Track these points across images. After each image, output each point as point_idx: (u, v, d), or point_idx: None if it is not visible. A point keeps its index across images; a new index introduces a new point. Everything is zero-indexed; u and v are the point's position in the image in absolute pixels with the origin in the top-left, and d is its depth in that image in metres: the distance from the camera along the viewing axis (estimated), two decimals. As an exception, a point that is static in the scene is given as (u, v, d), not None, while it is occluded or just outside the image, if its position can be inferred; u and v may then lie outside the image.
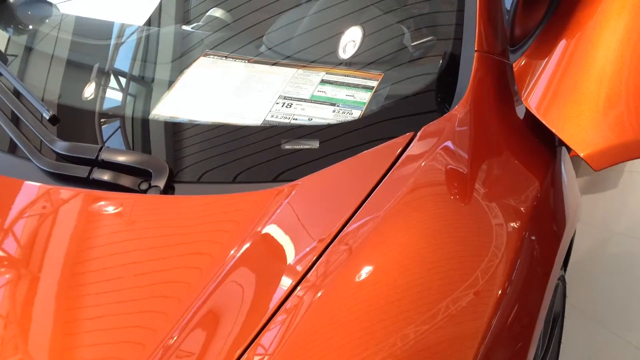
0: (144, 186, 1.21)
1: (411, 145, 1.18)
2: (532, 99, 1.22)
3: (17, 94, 1.41)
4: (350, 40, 1.51)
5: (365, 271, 0.99)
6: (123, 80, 1.50)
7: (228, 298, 1.00)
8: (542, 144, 1.28)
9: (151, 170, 1.22)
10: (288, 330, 0.93)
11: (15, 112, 1.37)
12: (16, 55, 1.65)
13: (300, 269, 1.01)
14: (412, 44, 1.45)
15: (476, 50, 1.32)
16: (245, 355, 0.92)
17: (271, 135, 1.29)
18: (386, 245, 1.03)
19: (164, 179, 1.21)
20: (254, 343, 0.93)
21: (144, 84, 1.50)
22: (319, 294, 0.97)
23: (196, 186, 1.23)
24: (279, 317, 0.96)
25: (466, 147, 1.20)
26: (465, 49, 1.32)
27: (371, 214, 1.08)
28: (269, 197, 1.14)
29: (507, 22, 1.28)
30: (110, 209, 1.19)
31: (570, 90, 1.19)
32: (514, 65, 1.31)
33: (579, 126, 1.15)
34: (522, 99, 1.24)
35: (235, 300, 0.99)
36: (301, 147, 1.27)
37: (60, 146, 1.28)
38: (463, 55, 1.32)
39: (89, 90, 1.47)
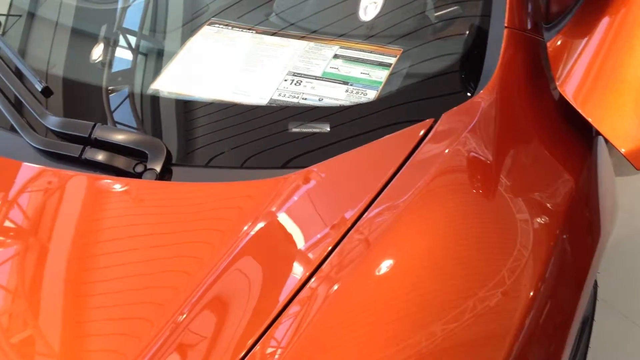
0: (139, 168, 1.11)
1: (431, 132, 1.06)
2: (568, 84, 1.10)
3: (8, 62, 1.31)
4: (368, 11, 1.39)
5: (386, 264, 0.92)
6: (123, 51, 1.39)
7: (237, 284, 0.93)
8: (577, 135, 1.16)
9: (147, 152, 1.12)
10: (303, 323, 0.87)
11: (6, 82, 1.27)
12: (19, 16, 1.55)
13: (314, 258, 0.93)
14: (435, 16, 1.32)
15: (506, 27, 1.19)
16: (256, 347, 0.86)
17: (278, 117, 1.19)
18: (407, 238, 0.95)
19: (161, 161, 1.11)
20: (266, 334, 0.87)
21: (144, 55, 1.39)
22: (336, 287, 0.90)
23: (196, 170, 1.13)
24: (293, 309, 0.89)
25: (492, 136, 1.09)
26: (494, 24, 1.20)
27: (390, 204, 0.98)
28: (275, 186, 1.04)
29: (542, -4, 1.16)
30: (104, 194, 1.10)
31: (612, 77, 1.06)
32: (548, 45, 1.18)
33: (620, 119, 1.03)
34: (557, 84, 1.12)
35: (245, 287, 0.93)
36: (310, 130, 1.16)
37: (52, 121, 1.19)
38: (491, 31, 1.19)
39: (86, 60, 1.37)
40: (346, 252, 0.94)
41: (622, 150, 1.02)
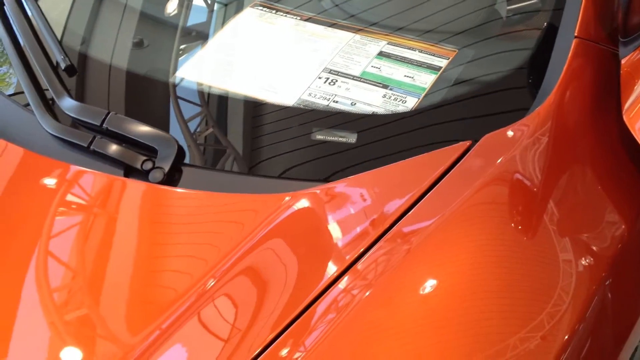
0: (147, 165, 1.03)
1: (465, 157, 0.92)
2: (636, 116, 0.92)
3: (36, 33, 1.24)
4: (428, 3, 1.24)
5: (424, 284, 0.84)
6: (159, 32, 1.30)
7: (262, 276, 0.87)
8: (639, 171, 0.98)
9: (157, 148, 1.03)
10: (330, 326, 0.79)
11: (31, 55, 1.21)
12: None
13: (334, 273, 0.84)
14: (499, 17, 1.16)
15: (576, 36, 1.02)
16: (275, 344, 0.79)
17: (303, 120, 1.07)
18: (435, 266, 0.85)
19: (170, 160, 1.02)
20: (287, 331, 0.80)
21: (181, 39, 1.30)
22: (368, 293, 0.82)
23: (207, 173, 1.04)
24: (318, 312, 0.81)
25: (541, 165, 0.93)
26: (562, 33, 1.03)
27: (415, 231, 0.86)
28: (279, 205, 0.93)
29: (621, 3, 0.97)
30: (102, 195, 1.02)
31: None
32: (622, 62, 1.00)
33: None
34: (623, 110, 0.94)
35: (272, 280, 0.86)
36: (335, 139, 1.04)
37: (67, 105, 1.12)
38: (559, 41, 1.02)
39: (118, 40, 1.28)
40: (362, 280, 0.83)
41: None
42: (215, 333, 0.84)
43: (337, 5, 1.31)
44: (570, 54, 1.00)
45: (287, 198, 0.92)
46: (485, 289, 0.83)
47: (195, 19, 1.34)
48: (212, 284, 0.86)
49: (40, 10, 1.28)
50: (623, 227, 0.94)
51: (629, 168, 0.97)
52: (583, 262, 0.90)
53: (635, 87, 0.95)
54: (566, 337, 0.84)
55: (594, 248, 0.92)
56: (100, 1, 1.36)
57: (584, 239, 0.92)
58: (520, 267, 0.87)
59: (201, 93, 1.14)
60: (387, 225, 0.87)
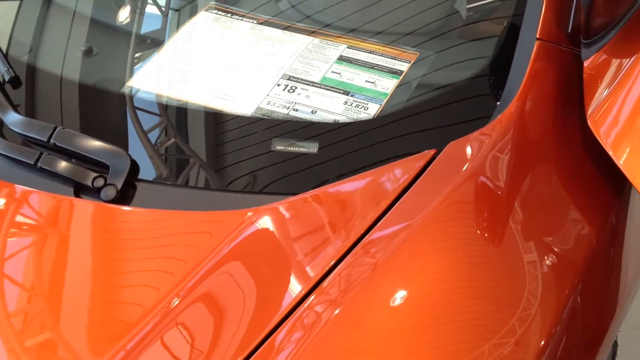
0: (98, 183, 0.98)
1: (431, 166, 0.89)
2: (600, 117, 0.90)
3: None
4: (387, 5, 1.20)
5: (391, 297, 0.81)
6: (109, 39, 1.25)
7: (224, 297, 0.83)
8: (606, 176, 0.96)
9: (109, 164, 0.98)
10: (299, 347, 0.77)
11: None
12: None
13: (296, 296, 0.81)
14: (458, 20, 1.13)
15: (538, 38, 0.99)
16: None
17: (263, 130, 1.03)
18: (401, 277, 0.82)
19: (123, 176, 0.97)
20: (254, 355, 0.77)
21: (130, 45, 1.24)
22: (336, 311, 0.79)
23: (164, 189, 0.99)
24: (286, 329, 0.78)
25: (505, 170, 0.91)
26: (524, 35, 1.00)
27: (375, 248, 0.83)
28: (240, 222, 0.89)
29: (583, 4, 0.95)
30: (48, 216, 0.97)
31: None
32: (585, 64, 0.98)
33: None
34: (587, 114, 0.92)
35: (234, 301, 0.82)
36: (295, 150, 1.00)
37: (12, 120, 1.06)
38: (520, 43, 1.00)
39: (65, 49, 1.23)
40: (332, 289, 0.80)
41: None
42: (179, 357, 0.80)
43: (293, 6, 1.27)
44: (532, 57, 0.98)
45: (248, 214, 0.89)
46: (456, 297, 0.81)
47: (147, 24, 1.28)
48: (174, 305, 0.81)
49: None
50: (590, 231, 0.92)
51: (594, 172, 0.95)
52: (551, 267, 0.88)
53: (599, 90, 0.93)
54: (540, 341, 0.82)
55: (562, 253, 0.90)
56: (47, 9, 1.29)
57: (551, 244, 0.90)
58: (489, 273, 0.85)
59: (155, 104, 1.09)
60: (353, 240, 0.84)
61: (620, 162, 0.85)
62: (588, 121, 0.91)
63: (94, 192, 0.97)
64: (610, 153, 0.87)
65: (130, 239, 0.92)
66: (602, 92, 0.92)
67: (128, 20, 1.28)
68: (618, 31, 0.96)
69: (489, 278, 0.84)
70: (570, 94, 0.98)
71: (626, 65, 0.92)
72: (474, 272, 0.84)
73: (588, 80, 0.96)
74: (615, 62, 0.95)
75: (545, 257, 0.88)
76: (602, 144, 0.88)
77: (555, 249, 0.89)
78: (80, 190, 0.99)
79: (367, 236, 0.83)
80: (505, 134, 0.93)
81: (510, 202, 0.90)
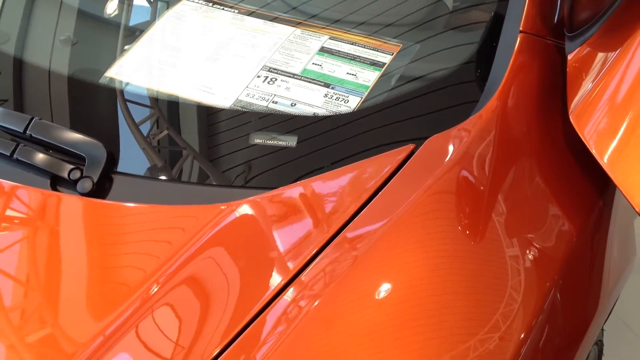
0: (74, 175, 0.96)
1: (410, 161, 0.88)
2: (582, 114, 0.89)
3: None
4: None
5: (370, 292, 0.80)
6: (87, 26, 1.23)
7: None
8: (589, 172, 0.95)
9: (85, 156, 0.97)
10: (278, 339, 0.76)
11: None
12: None
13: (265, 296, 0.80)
14: (434, 16, 1.12)
15: (521, 31, 0.98)
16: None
17: (240, 123, 1.02)
18: (373, 276, 0.81)
19: (99, 168, 0.96)
20: (232, 345, 0.76)
21: (109, 33, 1.22)
22: (316, 303, 0.78)
23: (140, 182, 0.98)
24: (266, 320, 0.78)
25: (487, 166, 0.90)
26: (507, 27, 0.99)
27: (351, 244, 0.82)
28: (216, 216, 0.88)
29: (566, -4, 0.93)
30: (25, 208, 0.96)
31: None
32: (569, 58, 0.96)
33: None
34: (570, 110, 0.91)
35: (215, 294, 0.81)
36: (274, 143, 0.99)
37: None
38: (504, 35, 0.98)
39: (42, 37, 1.21)
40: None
41: (638, 209, 0.82)
42: (157, 351, 0.79)
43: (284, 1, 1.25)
44: (515, 49, 0.96)
45: (223, 207, 0.87)
46: (438, 292, 0.80)
47: (131, 14, 1.26)
48: (147, 299, 0.80)
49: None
50: (572, 229, 0.91)
51: (577, 168, 0.94)
52: (532, 262, 0.87)
53: (582, 85, 0.92)
54: (521, 336, 0.82)
55: (542, 249, 0.89)
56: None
57: (532, 239, 0.90)
58: (471, 268, 0.84)
59: (133, 95, 1.07)
60: (332, 233, 0.83)
61: (604, 161, 0.84)
62: (570, 117, 0.90)
63: (70, 185, 0.96)
64: (593, 151, 0.85)
65: (104, 233, 0.91)
66: (585, 87, 0.91)
67: (113, 10, 1.25)
68: (602, 24, 0.95)
69: (471, 273, 0.83)
70: (554, 88, 0.97)
71: (610, 60, 0.91)
72: (456, 266, 0.83)
73: (571, 74, 0.94)
74: (598, 56, 0.93)
75: (526, 253, 0.87)
76: (584, 141, 0.87)
77: (536, 245, 0.88)
78: (57, 182, 0.98)
79: (344, 230, 0.82)
80: (485, 128, 0.91)
81: (491, 197, 0.89)
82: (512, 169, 0.91)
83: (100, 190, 0.96)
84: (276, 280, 0.79)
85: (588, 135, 0.87)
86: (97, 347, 0.77)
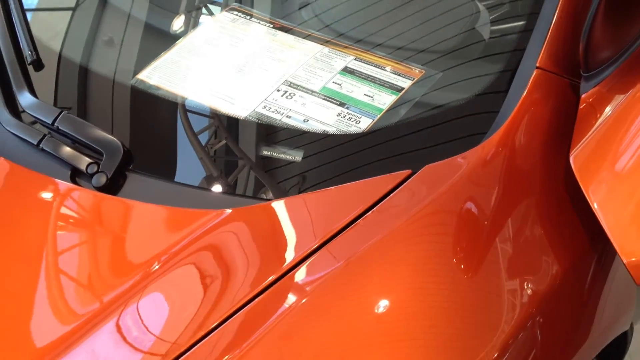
0: (91, 169, 1.02)
1: (402, 187, 0.89)
2: (581, 159, 0.87)
3: (12, 25, 1.24)
4: (406, 21, 1.20)
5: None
6: (131, 31, 1.29)
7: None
8: (586, 218, 0.92)
9: (103, 152, 1.02)
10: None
11: (1, 44, 1.20)
12: None
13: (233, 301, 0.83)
14: (460, 41, 1.12)
15: (538, 67, 0.97)
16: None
17: (252, 134, 1.05)
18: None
19: (114, 165, 1.01)
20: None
21: (148, 37, 1.28)
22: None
23: (152, 182, 1.02)
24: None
25: (480, 198, 0.89)
26: (525, 62, 0.98)
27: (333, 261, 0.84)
28: (209, 221, 0.91)
29: (582, 35, 0.92)
30: (41, 197, 1.01)
31: None
32: (582, 98, 0.95)
33: (637, 230, 0.80)
34: (570, 152, 0.89)
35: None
36: (281, 156, 1.01)
37: (25, 100, 1.12)
38: (520, 70, 0.98)
39: (92, 38, 1.27)
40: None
41: (625, 260, 0.79)
42: (132, 342, 0.83)
43: (316, 16, 1.28)
44: (529, 85, 0.95)
45: (215, 213, 0.91)
46: (417, 317, 0.80)
47: (167, 21, 1.32)
48: (133, 291, 0.84)
49: (20, 1, 1.28)
50: (557, 270, 0.89)
51: (571, 211, 0.92)
52: (513, 297, 0.86)
53: (589, 127, 0.90)
54: None
55: (525, 285, 0.87)
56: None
57: (515, 276, 0.87)
58: (449, 296, 0.83)
59: (157, 98, 1.12)
60: (311, 249, 0.85)
61: (595, 207, 0.82)
62: (570, 158, 0.88)
63: (87, 177, 1.02)
64: (586, 194, 0.84)
65: (106, 226, 0.95)
66: (591, 130, 0.89)
67: (179, 27, 1.31)
68: (618, 66, 0.93)
69: (453, 300, 0.82)
70: (566, 127, 0.95)
71: (615, 106, 0.89)
72: (433, 295, 0.82)
73: (581, 115, 0.93)
74: (608, 100, 0.91)
75: (509, 288, 0.86)
76: (580, 184, 0.85)
77: (519, 282, 0.86)
78: (76, 174, 1.03)
79: (323, 248, 0.84)
80: (486, 160, 0.91)
81: (479, 229, 0.88)
82: (506, 202, 0.90)
83: (113, 186, 1.00)
84: (249, 288, 0.81)
85: (583, 178, 0.85)
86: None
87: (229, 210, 0.90)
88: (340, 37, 1.19)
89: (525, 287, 0.86)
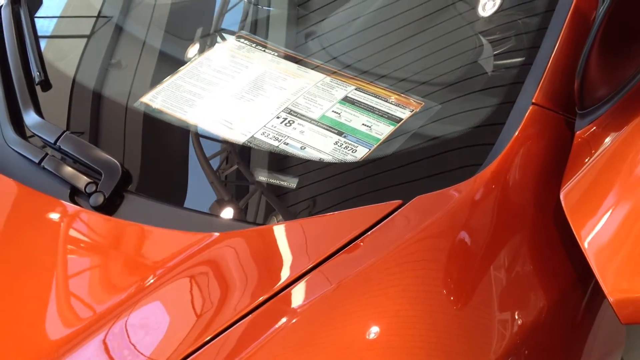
0: (90, 188, 1.03)
1: (391, 217, 0.89)
2: (572, 198, 0.86)
3: (24, 44, 1.27)
4: (408, 53, 1.21)
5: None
6: (136, 55, 1.31)
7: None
8: (574, 257, 0.91)
9: (102, 172, 1.04)
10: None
11: (12, 65, 1.23)
12: None
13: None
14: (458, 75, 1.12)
15: (533, 103, 0.97)
16: None
17: (248, 159, 1.06)
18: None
19: (112, 185, 1.02)
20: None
21: (154, 61, 1.30)
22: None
23: (148, 203, 1.03)
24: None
25: (470, 231, 0.89)
26: (521, 98, 0.98)
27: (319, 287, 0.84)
28: (198, 243, 0.92)
29: (577, 72, 0.92)
30: (40, 216, 1.03)
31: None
32: (576, 135, 0.95)
33: (624, 262, 0.79)
34: (561, 189, 0.89)
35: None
36: (275, 182, 1.02)
37: (29, 118, 1.14)
38: (516, 106, 0.98)
39: (99, 61, 1.30)
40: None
41: (611, 299, 0.78)
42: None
43: (324, 49, 1.29)
44: (524, 121, 0.96)
45: (204, 235, 0.92)
46: (401, 345, 0.80)
47: (179, 48, 1.34)
48: (113, 313, 0.85)
49: (33, 22, 1.31)
50: (544, 305, 0.88)
51: (560, 247, 0.92)
52: (499, 328, 0.85)
53: (582, 165, 0.90)
54: None
55: (511, 317, 0.86)
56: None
57: (502, 308, 0.86)
58: (434, 325, 0.82)
59: (158, 121, 1.13)
60: (298, 275, 0.85)
61: (585, 246, 0.82)
62: (561, 195, 0.88)
63: (86, 197, 1.03)
64: (575, 233, 0.83)
65: (93, 242, 0.97)
66: (582, 167, 0.89)
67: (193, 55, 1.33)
68: (613, 105, 0.93)
69: (438, 329, 0.82)
70: (559, 163, 0.95)
71: (608, 145, 0.89)
72: (422, 322, 0.82)
73: (574, 152, 0.93)
74: (602, 138, 0.91)
75: (494, 316, 0.85)
76: (569, 222, 0.85)
77: (505, 313, 0.86)
78: (75, 193, 1.05)
79: (310, 273, 0.84)
80: (476, 192, 0.91)
81: (468, 259, 0.87)
82: (496, 234, 0.90)
83: (110, 206, 1.02)
84: (230, 313, 0.82)
85: (573, 217, 0.85)
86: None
87: (216, 234, 0.91)
88: (345, 68, 1.20)
89: (512, 319, 0.85)
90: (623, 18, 0.89)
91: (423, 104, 1.11)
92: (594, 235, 0.82)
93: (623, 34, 0.92)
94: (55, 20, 1.40)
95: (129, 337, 0.84)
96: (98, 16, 1.38)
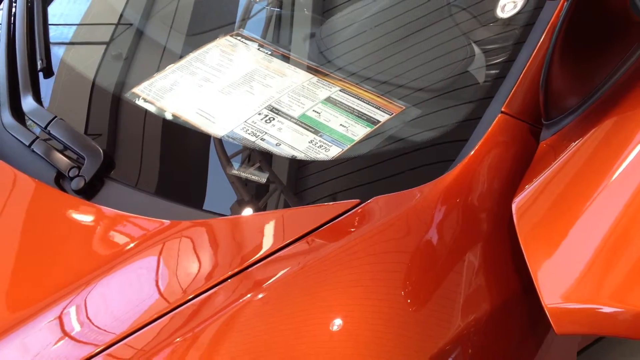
0: (73, 172, 1.08)
1: (345, 215, 0.91)
2: (521, 207, 0.86)
3: (33, 31, 1.33)
4: (395, 58, 1.22)
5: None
6: (138, 49, 1.35)
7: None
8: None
9: (85, 157, 1.08)
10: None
11: (18, 50, 1.29)
12: None
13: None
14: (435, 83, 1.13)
15: (502, 112, 0.98)
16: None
17: (227, 152, 1.09)
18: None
19: (93, 171, 1.06)
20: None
21: (153, 55, 1.34)
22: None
23: (126, 190, 1.07)
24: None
25: (423, 233, 0.90)
26: (492, 106, 0.99)
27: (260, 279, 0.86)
28: (160, 230, 0.95)
29: (541, 83, 0.92)
30: (22, 197, 1.08)
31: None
32: (540, 145, 0.94)
33: (563, 278, 0.78)
34: (514, 200, 0.89)
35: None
36: (247, 176, 1.05)
37: (26, 103, 1.19)
38: (486, 115, 0.99)
39: (95, 52, 1.35)
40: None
41: (546, 306, 0.78)
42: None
43: (321, 52, 1.31)
44: (491, 128, 0.96)
45: (169, 223, 0.95)
46: (355, 337, 0.81)
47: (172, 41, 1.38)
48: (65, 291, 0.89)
49: (45, 10, 1.37)
50: (487, 311, 0.88)
51: (514, 256, 0.92)
52: (441, 324, 0.85)
53: (537, 178, 0.89)
54: None
55: (456, 315, 0.86)
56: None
57: (447, 307, 0.87)
58: (380, 316, 0.83)
59: (145, 112, 1.17)
60: (243, 265, 0.87)
61: (528, 257, 0.82)
62: (512, 204, 0.88)
63: (69, 181, 1.07)
64: (521, 242, 0.84)
65: (64, 225, 1.01)
66: (537, 177, 0.89)
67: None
68: (577, 117, 0.93)
69: (384, 319, 0.83)
70: (522, 172, 0.95)
71: (563, 157, 0.89)
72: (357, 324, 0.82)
73: (534, 162, 0.93)
74: (560, 150, 0.91)
75: (438, 314, 0.85)
76: (517, 231, 0.85)
77: (449, 310, 0.86)
78: (60, 177, 1.09)
79: (257, 265, 0.86)
80: (436, 195, 0.92)
81: (418, 258, 0.88)
82: (450, 236, 0.90)
83: (90, 190, 1.06)
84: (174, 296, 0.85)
85: (520, 224, 0.85)
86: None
87: (167, 222, 0.94)
88: (336, 71, 1.22)
89: (456, 316, 0.85)
90: (580, 28, 0.89)
91: (404, 108, 1.12)
92: (538, 246, 0.82)
93: (583, 44, 0.92)
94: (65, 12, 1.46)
95: (86, 312, 0.87)
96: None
